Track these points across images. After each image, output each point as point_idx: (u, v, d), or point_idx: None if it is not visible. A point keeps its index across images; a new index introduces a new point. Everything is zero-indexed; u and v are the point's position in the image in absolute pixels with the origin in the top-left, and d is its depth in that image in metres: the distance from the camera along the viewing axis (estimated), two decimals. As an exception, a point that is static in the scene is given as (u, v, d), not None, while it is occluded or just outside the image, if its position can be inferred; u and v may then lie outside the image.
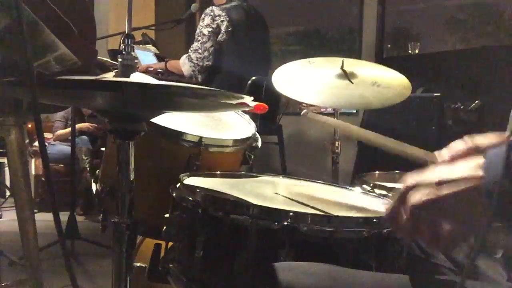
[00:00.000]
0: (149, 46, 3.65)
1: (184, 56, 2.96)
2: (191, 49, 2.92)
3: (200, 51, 2.88)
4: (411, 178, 0.58)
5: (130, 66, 0.89)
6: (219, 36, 2.88)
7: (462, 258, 0.85)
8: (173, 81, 2.80)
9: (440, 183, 0.55)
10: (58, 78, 0.73)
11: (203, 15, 2.92)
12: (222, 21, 2.86)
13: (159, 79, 2.87)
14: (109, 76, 0.87)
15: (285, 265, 0.72)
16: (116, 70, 0.91)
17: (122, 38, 0.90)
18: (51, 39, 1.00)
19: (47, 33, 0.99)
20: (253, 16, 3.08)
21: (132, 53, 0.90)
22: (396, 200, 0.59)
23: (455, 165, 0.57)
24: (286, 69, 1.74)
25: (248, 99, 0.80)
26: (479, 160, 0.55)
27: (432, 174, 0.57)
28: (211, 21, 2.86)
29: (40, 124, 0.79)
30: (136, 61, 0.91)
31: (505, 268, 0.78)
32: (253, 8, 3.12)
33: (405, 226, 0.58)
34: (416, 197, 0.56)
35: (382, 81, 1.62)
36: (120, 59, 0.88)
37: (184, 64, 2.93)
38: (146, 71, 3.12)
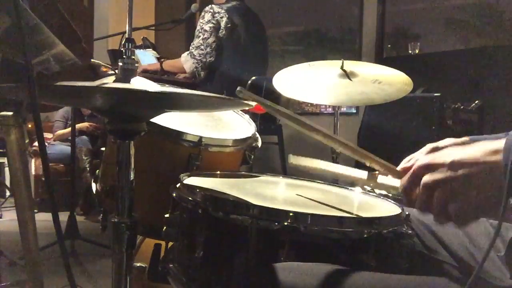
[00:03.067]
0: (149, 50, 3.67)
1: (186, 53, 2.98)
2: (193, 46, 2.93)
3: (202, 47, 2.90)
4: (425, 158, 0.64)
5: (130, 71, 0.88)
6: (219, 31, 2.90)
7: (465, 254, 0.85)
8: (168, 81, 2.81)
9: (453, 164, 0.60)
10: (59, 84, 0.73)
11: (202, 13, 2.96)
12: (221, 17, 2.90)
13: (155, 80, 2.88)
14: (109, 80, 0.87)
15: (286, 266, 0.72)
16: (115, 73, 0.91)
17: (123, 42, 0.89)
18: (50, 37, 1.00)
19: (46, 31, 0.99)
20: (250, 16, 3.12)
21: (133, 56, 0.90)
22: (409, 179, 0.66)
23: (467, 148, 0.62)
24: (286, 72, 1.74)
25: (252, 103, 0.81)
26: (494, 145, 0.60)
27: (445, 156, 0.62)
28: (211, 17, 2.90)
29: (40, 124, 0.79)
30: (136, 65, 0.90)
31: (508, 266, 0.78)
32: (250, 9, 3.16)
33: (417, 201, 0.65)
34: (429, 176, 0.62)
35: (383, 79, 1.62)
36: (120, 63, 0.88)
37: (186, 62, 2.95)
38: (143, 73, 3.13)
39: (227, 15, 2.90)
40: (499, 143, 0.59)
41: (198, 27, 2.94)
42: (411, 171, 0.66)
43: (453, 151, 0.63)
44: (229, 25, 2.89)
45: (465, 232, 0.88)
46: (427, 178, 0.62)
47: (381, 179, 0.77)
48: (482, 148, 0.61)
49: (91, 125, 4.20)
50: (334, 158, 1.81)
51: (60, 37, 1.01)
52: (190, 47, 2.95)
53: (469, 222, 0.62)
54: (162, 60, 3.29)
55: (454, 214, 0.60)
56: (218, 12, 2.90)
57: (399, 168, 0.76)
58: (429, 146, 0.72)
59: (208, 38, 2.90)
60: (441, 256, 0.86)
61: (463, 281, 0.74)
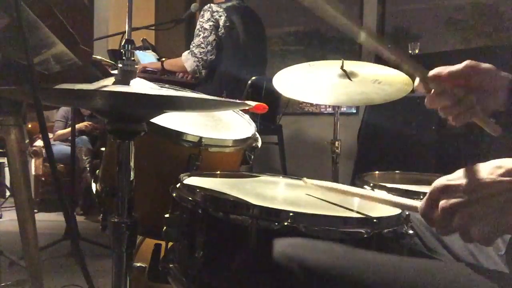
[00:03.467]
0: (149, 52, 3.66)
1: (186, 52, 2.97)
2: (193, 44, 2.93)
3: (203, 45, 2.90)
4: (441, 181, 0.63)
5: (130, 72, 0.88)
6: (219, 30, 2.91)
7: (466, 255, 0.85)
8: (167, 81, 2.81)
9: (468, 187, 0.59)
10: (58, 87, 0.73)
11: (202, 12, 2.96)
12: (220, 16, 2.90)
13: (154, 79, 2.89)
14: (109, 82, 0.86)
15: (299, 242, 0.72)
16: (116, 73, 0.90)
17: (122, 44, 0.89)
18: (49, 37, 1.00)
19: (45, 31, 0.99)
20: (250, 16, 3.11)
21: (132, 58, 0.89)
22: (426, 202, 0.64)
23: (481, 168, 0.61)
24: (286, 72, 1.74)
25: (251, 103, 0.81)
26: (506, 163, 0.59)
27: (460, 178, 0.61)
28: (210, 15, 2.90)
29: (45, 125, 0.79)
30: (136, 66, 0.90)
31: (508, 265, 0.79)
32: (249, 9, 3.15)
33: (437, 225, 0.63)
34: (446, 201, 0.61)
35: (383, 79, 1.62)
36: (120, 65, 0.88)
37: (187, 60, 2.94)
38: (143, 72, 3.14)
39: (225, 14, 2.90)
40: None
41: (198, 26, 2.94)
42: (428, 194, 0.64)
43: (468, 172, 0.62)
44: (227, 24, 2.89)
45: None
46: (444, 203, 0.61)
47: (399, 199, 0.77)
48: (496, 168, 0.60)
49: (90, 125, 4.20)
50: (334, 158, 1.81)
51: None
52: (191, 46, 2.95)
53: (494, 241, 0.60)
54: (163, 59, 3.29)
55: (477, 236, 0.58)
56: (217, 11, 2.91)
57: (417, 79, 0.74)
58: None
59: (209, 36, 2.90)
60: (442, 256, 0.86)
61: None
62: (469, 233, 0.59)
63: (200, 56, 2.90)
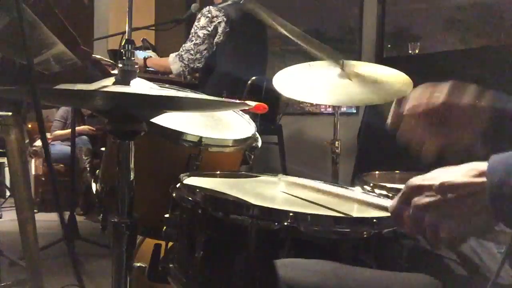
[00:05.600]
0: (149, 52, 3.66)
1: (174, 54, 2.94)
2: (183, 48, 2.89)
3: (192, 52, 2.87)
4: (415, 180, 0.64)
5: (130, 72, 0.88)
6: (216, 38, 2.87)
7: (468, 251, 0.85)
8: (167, 81, 2.81)
9: (441, 187, 0.61)
10: (59, 87, 0.73)
11: (199, 15, 2.90)
12: (219, 22, 2.84)
13: (154, 80, 2.88)
14: (109, 82, 0.86)
15: (287, 262, 0.72)
16: (116, 73, 0.90)
17: (122, 44, 0.89)
18: (49, 36, 1.00)
19: (45, 31, 0.99)
20: (250, 14, 3.06)
21: (132, 58, 0.89)
22: (399, 200, 0.65)
23: (456, 169, 0.62)
24: (286, 72, 1.74)
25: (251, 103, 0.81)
26: (480, 166, 0.60)
27: (434, 178, 0.62)
28: (207, 23, 2.84)
29: (43, 124, 0.79)
30: (136, 66, 0.90)
31: (509, 263, 0.79)
32: None
33: (408, 225, 0.64)
34: (418, 199, 0.62)
35: (383, 79, 1.62)
36: (120, 65, 0.88)
37: (174, 63, 2.92)
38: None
39: (225, 18, 2.83)
40: (486, 165, 0.60)
41: (192, 30, 2.89)
42: (401, 192, 0.66)
43: (442, 172, 0.63)
44: (227, 30, 2.84)
45: None
46: (417, 200, 0.63)
47: (372, 199, 0.78)
48: (470, 170, 0.61)
49: (90, 129, 4.20)
50: (334, 158, 1.81)
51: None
52: (181, 49, 2.90)
53: (461, 245, 0.62)
54: (147, 56, 3.27)
55: (446, 237, 0.60)
56: (217, 16, 2.83)
57: (391, 113, 0.79)
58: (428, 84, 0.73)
59: (200, 44, 2.85)
60: (444, 252, 0.86)
61: (467, 277, 0.75)
62: (437, 232, 0.60)
63: (187, 63, 2.88)
